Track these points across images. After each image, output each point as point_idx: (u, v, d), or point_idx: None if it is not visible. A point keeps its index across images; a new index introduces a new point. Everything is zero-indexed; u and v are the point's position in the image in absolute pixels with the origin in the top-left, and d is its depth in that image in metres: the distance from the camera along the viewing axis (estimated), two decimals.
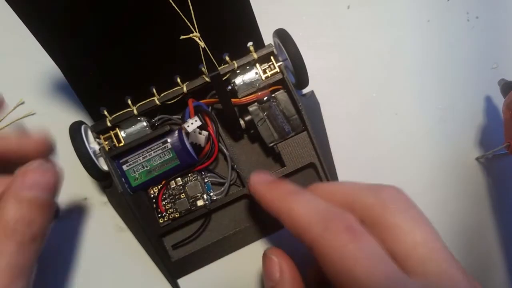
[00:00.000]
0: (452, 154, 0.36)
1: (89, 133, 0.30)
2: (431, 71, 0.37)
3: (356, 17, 0.37)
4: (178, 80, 0.29)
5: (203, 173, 0.31)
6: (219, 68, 0.29)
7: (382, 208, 0.19)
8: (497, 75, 0.35)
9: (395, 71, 0.37)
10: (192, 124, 0.28)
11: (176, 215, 0.30)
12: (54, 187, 0.23)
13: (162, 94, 0.30)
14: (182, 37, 0.27)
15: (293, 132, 0.30)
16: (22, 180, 0.22)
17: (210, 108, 0.31)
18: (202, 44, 0.27)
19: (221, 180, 0.31)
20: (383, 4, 0.38)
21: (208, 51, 0.27)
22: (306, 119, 0.29)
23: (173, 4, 0.25)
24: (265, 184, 0.23)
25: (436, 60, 0.37)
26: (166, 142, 0.29)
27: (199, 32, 0.26)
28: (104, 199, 0.33)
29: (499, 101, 0.35)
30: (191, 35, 0.27)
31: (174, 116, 0.31)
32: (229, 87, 0.30)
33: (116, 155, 0.29)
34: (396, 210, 0.19)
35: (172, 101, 0.30)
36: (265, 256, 0.25)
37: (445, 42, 0.37)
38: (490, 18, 0.38)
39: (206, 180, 0.31)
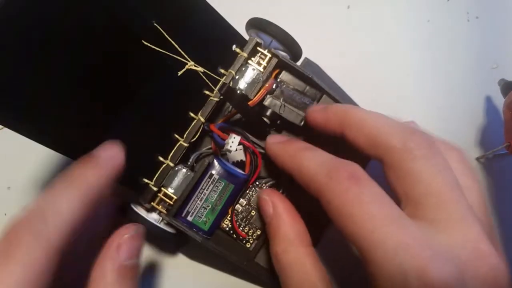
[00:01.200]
0: None
1: (139, 207, 0.29)
2: (431, 71, 0.37)
3: (356, 17, 0.37)
4: (192, 114, 0.29)
5: (257, 183, 0.31)
6: (221, 81, 0.29)
7: (405, 153, 0.19)
8: (497, 75, 0.35)
9: (395, 71, 0.37)
10: (233, 142, 0.28)
11: (258, 232, 0.30)
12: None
13: (185, 135, 0.29)
14: (179, 73, 0.27)
15: (314, 101, 0.30)
16: (120, 251, 0.22)
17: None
18: (200, 69, 0.27)
19: (275, 181, 0.31)
20: (383, 4, 0.38)
21: (208, 72, 0.27)
22: (319, 83, 0.29)
23: (166, 52, 0.25)
24: (278, 144, 0.25)
25: (436, 60, 0.37)
26: (212, 175, 0.29)
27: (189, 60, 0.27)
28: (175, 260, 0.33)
29: (499, 101, 0.35)
30: (187, 66, 0.27)
31: (203, 149, 0.31)
32: (238, 92, 0.30)
33: (176, 212, 0.29)
34: (418, 156, 0.19)
35: (196, 136, 0.29)
36: (258, 198, 0.27)
37: (445, 42, 0.37)
38: (490, 18, 0.38)
39: (264, 187, 0.31)
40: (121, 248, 0.22)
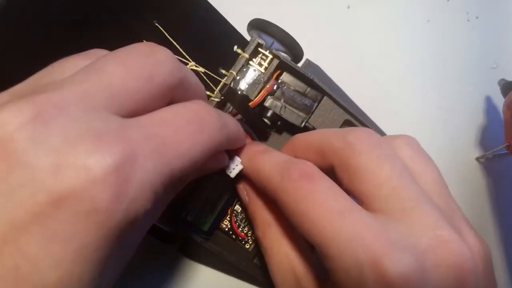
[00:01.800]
0: (452, 154, 0.36)
1: None
2: (431, 71, 0.37)
3: (356, 17, 0.37)
4: None
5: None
6: (222, 82, 0.29)
7: (348, 150, 0.19)
8: (497, 75, 0.35)
9: (395, 71, 0.37)
10: (234, 169, 0.26)
11: None
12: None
13: None
14: None
15: (315, 103, 0.30)
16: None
17: None
18: (201, 69, 0.27)
19: None
20: (383, 4, 0.38)
21: (209, 72, 0.27)
22: (320, 84, 0.29)
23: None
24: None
25: (436, 60, 0.37)
26: (211, 175, 0.29)
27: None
28: (174, 260, 0.33)
29: (499, 101, 0.35)
30: (187, 67, 0.26)
31: None
32: (239, 93, 0.30)
33: (175, 212, 0.28)
34: (361, 151, 0.19)
35: None
36: (236, 188, 0.27)
37: (445, 42, 0.37)
38: (490, 18, 0.38)
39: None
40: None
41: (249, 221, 0.27)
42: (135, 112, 0.15)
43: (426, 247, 0.16)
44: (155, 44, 0.17)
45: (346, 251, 0.16)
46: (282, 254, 0.23)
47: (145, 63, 0.15)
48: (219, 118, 0.18)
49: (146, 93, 0.15)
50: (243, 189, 0.27)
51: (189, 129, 0.16)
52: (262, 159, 0.22)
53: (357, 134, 0.20)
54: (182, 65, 0.17)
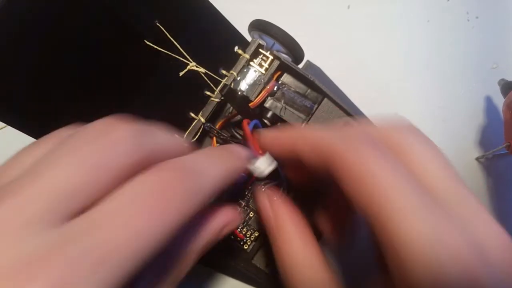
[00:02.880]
0: (452, 154, 0.36)
1: None
2: (431, 71, 0.37)
3: (356, 17, 0.37)
4: (193, 115, 0.29)
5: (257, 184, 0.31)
6: (223, 83, 0.29)
7: (395, 133, 0.18)
8: (497, 75, 0.35)
9: (395, 71, 0.37)
10: (270, 166, 0.24)
11: (256, 234, 0.30)
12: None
13: (185, 135, 0.29)
14: (181, 73, 0.26)
15: (315, 104, 0.30)
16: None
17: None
18: (201, 69, 0.27)
19: (276, 183, 0.31)
20: (383, 4, 0.38)
21: (210, 73, 0.27)
22: (321, 86, 0.29)
23: (168, 52, 0.25)
24: (270, 138, 0.23)
25: (436, 60, 0.37)
26: None
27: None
28: None
29: (499, 101, 0.35)
30: (188, 67, 0.27)
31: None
32: (239, 94, 0.30)
33: None
34: (406, 131, 0.18)
35: (197, 136, 0.29)
36: (256, 199, 0.24)
37: (445, 42, 0.37)
38: (490, 18, 0.38)
39: (263, 189, 0.31)
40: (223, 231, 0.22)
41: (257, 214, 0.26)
42: (87, 205, 0.13)
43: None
44: (114, 121, 0.15)
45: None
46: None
47: (92, 150, 0.14)
48: (196, 181, 0.16)
49: (96, 185, 0.13)
50: (268, 208, 0.24)
51: (144, 217, 0.13)
52: (302, 133, 0.20)
53: (358, 136, 0.17)
54: (150, 134, 0.16)
